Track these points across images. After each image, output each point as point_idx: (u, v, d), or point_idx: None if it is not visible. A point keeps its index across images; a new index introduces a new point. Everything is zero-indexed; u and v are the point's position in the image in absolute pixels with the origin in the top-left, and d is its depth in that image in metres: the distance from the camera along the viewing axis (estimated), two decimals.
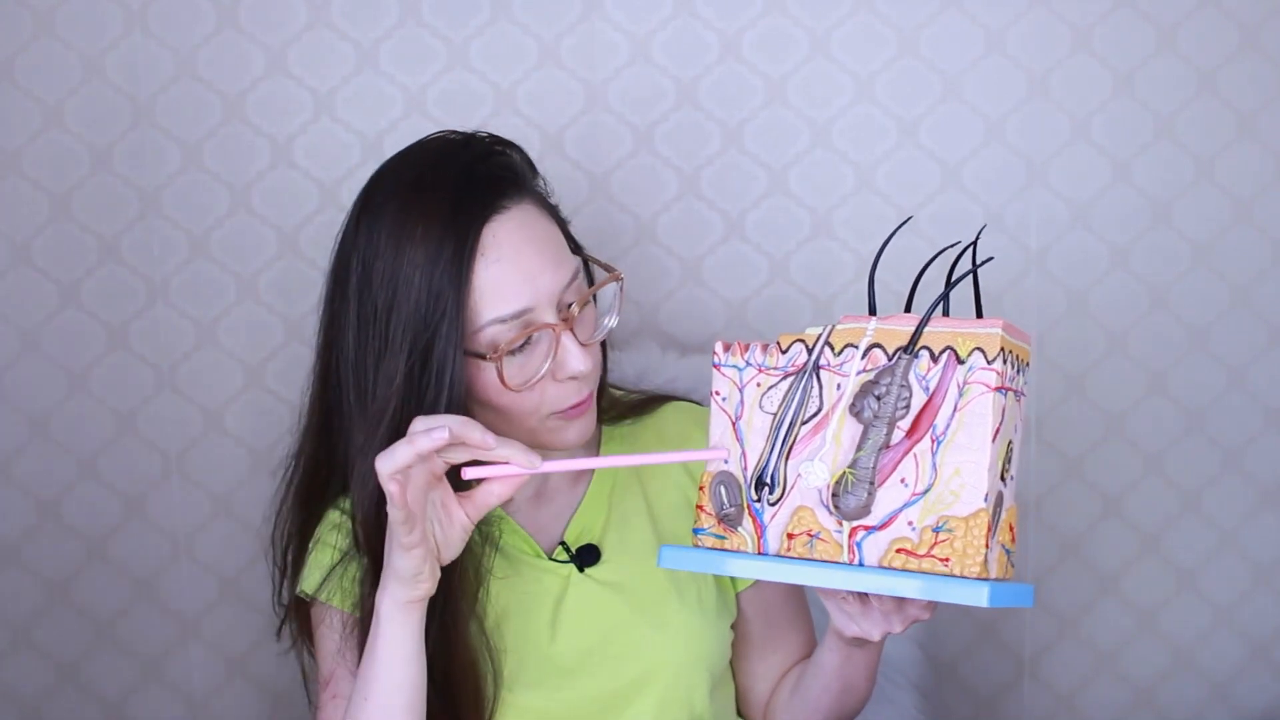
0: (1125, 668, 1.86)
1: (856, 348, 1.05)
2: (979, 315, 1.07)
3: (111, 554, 1.77)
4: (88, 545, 1.76)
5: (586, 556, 1.30)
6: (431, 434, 1.03)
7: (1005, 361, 1.02)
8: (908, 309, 1.09)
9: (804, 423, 1.06)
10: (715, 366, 1.09)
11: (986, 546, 1.00)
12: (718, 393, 1.09)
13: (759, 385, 1.07)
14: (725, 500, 1.08)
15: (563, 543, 1.30)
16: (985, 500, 1.00)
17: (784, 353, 1.07)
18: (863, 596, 1.12)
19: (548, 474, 1.29)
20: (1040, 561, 1.81)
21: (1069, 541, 1.82)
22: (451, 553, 1.12)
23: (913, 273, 1.14)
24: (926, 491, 1.01)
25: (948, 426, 1.01)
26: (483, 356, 1.16)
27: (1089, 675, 1.86)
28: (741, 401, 1.08)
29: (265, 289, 1.73)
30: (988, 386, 1.00)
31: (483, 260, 1.15)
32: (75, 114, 1.69)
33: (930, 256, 1.14)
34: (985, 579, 1.00)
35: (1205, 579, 1.84)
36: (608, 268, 1.24)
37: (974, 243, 1.10)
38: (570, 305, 1.19)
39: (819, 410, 1.05)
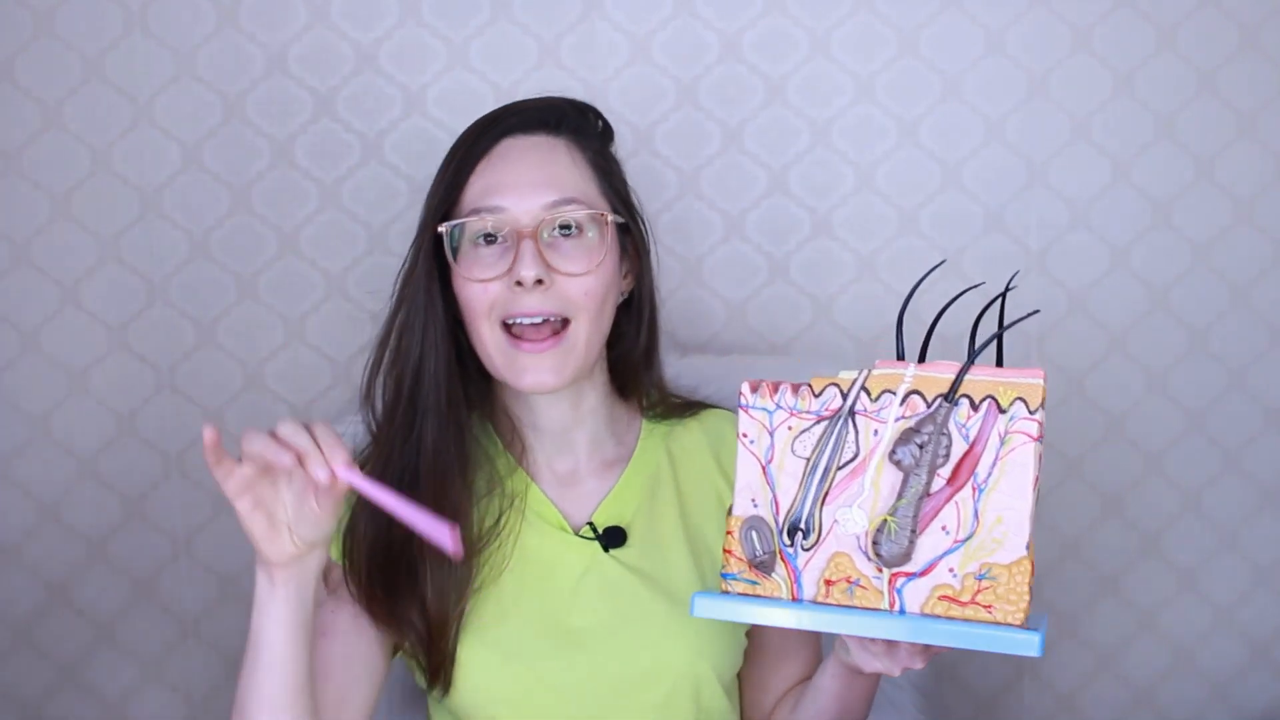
0: (1125, 668, 1.86)
1: (894, 394, 1.04)
2: (999, 364, 1.08)
3: (111, 554, 1.77)
4: (88, 545, 1.76)
5: (613, 538, 1.31)
6: (280, 454, 1.05)
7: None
8: (923, 350, 1.09)
9: (840, 468, 1.05)
10: (742, 408, 1.08)
11: (1029, 593, 1.01)
12: (745, 435, 1.08)
13: (790, 429, 1.06)
14: (758, 546, 1.08)
15: (590, 523, 1.32)
16: (1027, 548, 1.01)
17: (817, 396, 1.06)
18: (891, 642, 1.12)
19: (572, 453, 1.34)
20: (1040, 561, 1.81)
21: (1069, 541, 1.82)
22: (308, 533, 1.10)
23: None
24: (969, 539, 1.02)
25: (989, 475, 1.02)
26: (439, 223, 1.27)
27: (1089, 675, 1.86)
28: (771, 444, 1.07)
29: (265, 289, 1.74)
30: (1030, 436, 1.01)
31: (486, 161, 1.29)
32: (75, 114, 1.69)
33: (952, 298, 1.13)
34: (1028, 626, 1.01)
35: (1205, 579, 1.84)
36: (635, 242, 1.34)
37: (1005, 291, 1.11)
38: (554, 226, 1.26)
39: (855, 456, 1.05)
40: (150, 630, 1.78)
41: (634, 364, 1.36)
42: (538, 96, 1.39)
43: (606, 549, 1.31)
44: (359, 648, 1.27)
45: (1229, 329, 1.79)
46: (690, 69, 1.72)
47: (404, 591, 1.25)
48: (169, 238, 1.72)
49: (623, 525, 1.32)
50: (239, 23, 1.69)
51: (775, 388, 1.07)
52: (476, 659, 1.26)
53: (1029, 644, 0.99)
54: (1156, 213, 1.77)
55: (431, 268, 1.29)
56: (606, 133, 1.37)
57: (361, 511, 1.26)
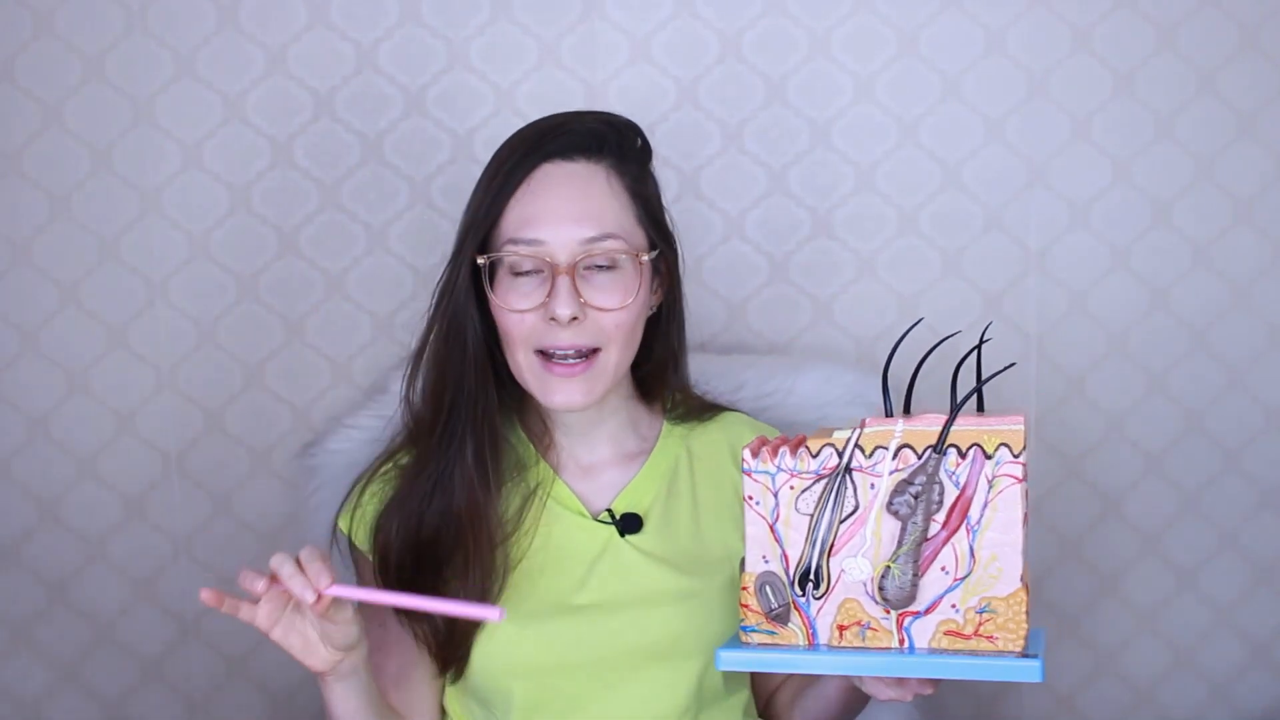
0: (1125, 668, 1.86)
1: (887, 449, 1.12)
2: (980, 409, 1.16)
3: (111, 554, 1.77)
4: (88, 545, 1.76)
5: (630, 524, 1.35)
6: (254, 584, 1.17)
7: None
8: (907, 402, 1.19)
9: (842, 521, 1.13)
10: (746, 473, 1.15)
11: (1027, 622, 1.11)
12: (750, 498, 1.15)
13: (792, 488, 1.14)
14: (773, 599, 1.15)
15: (609, 510, 1.36)
16: (1021, 580, 1.11)
17: (814, 456, 1.13)
18: None
19: (595, 447, 1.38)
20: (1040, 561, 1.81)
21: (1069, 541, 1.82)
22: (339, 641, 1.20)
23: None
24: (967, 576, 1.11)
25: (981, 516, 1.11)
26: (483, 253, 1.29)
27: (1089, 675, 1.86)
28: (776, 504, 1.14)
29: (265, 289, 1.73)
30: (1015, 479, 1.10)
31: (525, 187, 1.29)
32: (75, 114, 1.69)
33: (927, 351, 1.20)
34: (1027, 652, 1.11)
35: (1205, 579, 1.84)
36: (668, 261, 1.35)
37: (980, 344, 1.20)
38: (590, 261, 1.28)
39: (855, 509, 1.13)
40: (150, 630, 1.78)
41: (659, 372, 1.40)
42: (579, 113, 1.38)
43: (623, 534, 1.35)
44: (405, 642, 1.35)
45: (1229, 329, 1.79)
46: (690, 69, 1.72)
47: (429, 591, 1.29)
48: (169, 238, 1.72)
49: (639, 513, 1.36)
50: (239, 23, 1.69)
51: (775, 450, 1.14)
52: (493, 633, 1.30)
53: (1031, 671, 1.09)
54: (1156, 213, 1.77)
55: (469, 287, 1.31)
56: (645, 151, 1.37)
57: (395, 511, 1.32)
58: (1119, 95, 1.74)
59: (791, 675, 1.43)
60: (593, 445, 1.38)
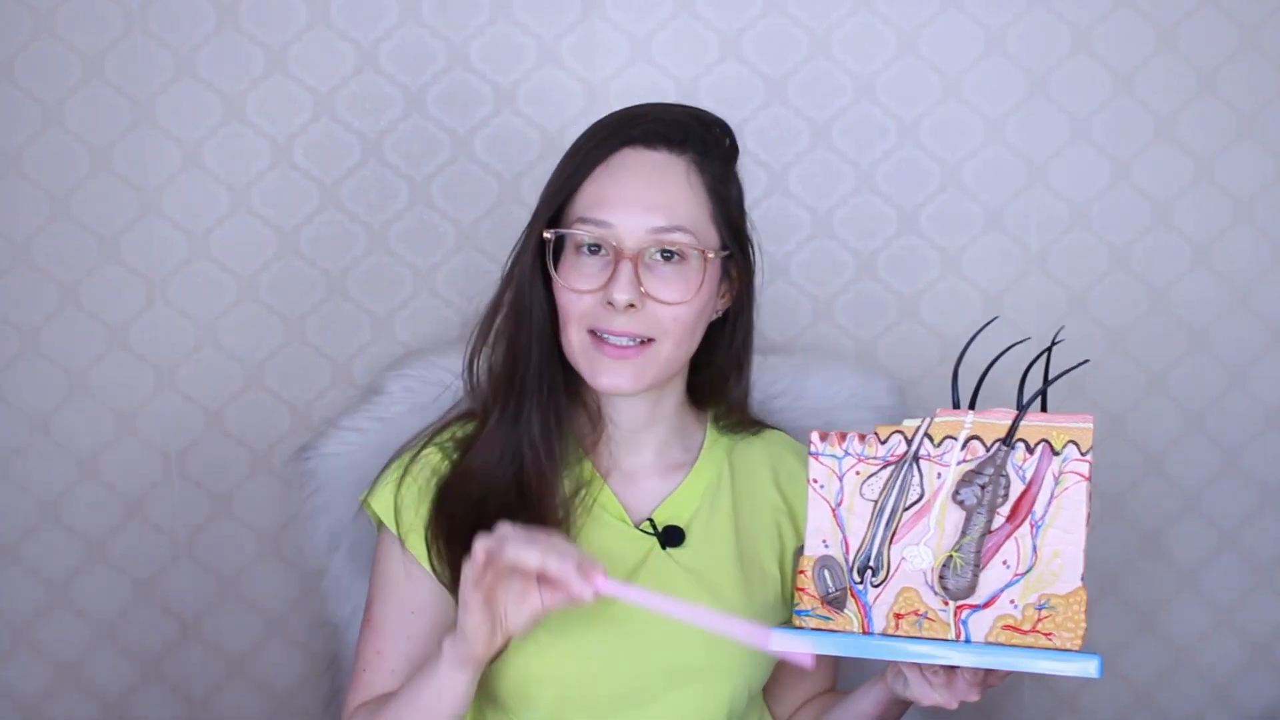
0: (1126, 668, 1.86)
1: (955, 439, 1.12)
2: (1044, 409, 1.16)
3: (111, 554, 1.77)
4: (88, 545, 1.76)
5: (672, 537, 1.33)
6: (564, 563, 1.11)
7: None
8: (974, 397, 1.17)
9: (906, 509, 1.13)
10: (813, 455, 1.15)
11: (1085, 620, 1.11)
12: (815, 480, 1.15)
13: (858, 473, 1.14)
14: (830, 584, 1.15)
15: (650, 519, 1.34)
16: (1081, 579, 1.11)
17: (883, 443, 1.14)
18: (950, 669, 1.18)
19: (641, 451, 1.36)
20: None
21: None
22: (518, 628, 1.16)
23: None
24: (1028, 572, 1.11)
25: (1046, 512, 1.11)
26: (551, 226, 1.28)
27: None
28: (841, 489, 1.15)
29: (265, 289, 1.74)
30: (1082, 476, 1.11)
31: (604, 168, 1.28)
32: (75, 114, 1.69)
33: (1001, 350, 1.21)
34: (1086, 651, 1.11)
35: (1205, 579, 1.84)
36: (742, 263, 1.33)
37: (1051, 345, 1.20)
38: (656, 250, 1.26)
39: (920, 497, 1.13)
40: (150, 630, 1.78)
41: (718, 379, 1.38)
42: (669, 104, 1.36)
43: (664, 547, 1.33)
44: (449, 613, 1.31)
45: (1229, 329, 1.79)
46: (690, 69, 1.72)
47: None
48: (169, 238, 1.72)
49: (681, 526, 1.34)
50: (239, 23, 1.69)
51: (843, 437, 1.14)
52: (524, 638, 1.27)
53: (1089, 667, 1.09)
54: (1156, 213, 1.77)
55: (538, 261, 1.30)
56: (732, 150, 1.34)
57: (461, 482, 1.30)
58: (1119, 95, 1.74)
59: (810, 698, 1.42)
60: (638, 450, 1.36)
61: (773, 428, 1.45)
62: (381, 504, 1.33)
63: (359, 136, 1.71)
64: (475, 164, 1.72)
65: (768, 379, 1.57)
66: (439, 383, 1.51)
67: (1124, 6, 1.73)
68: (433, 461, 1.33)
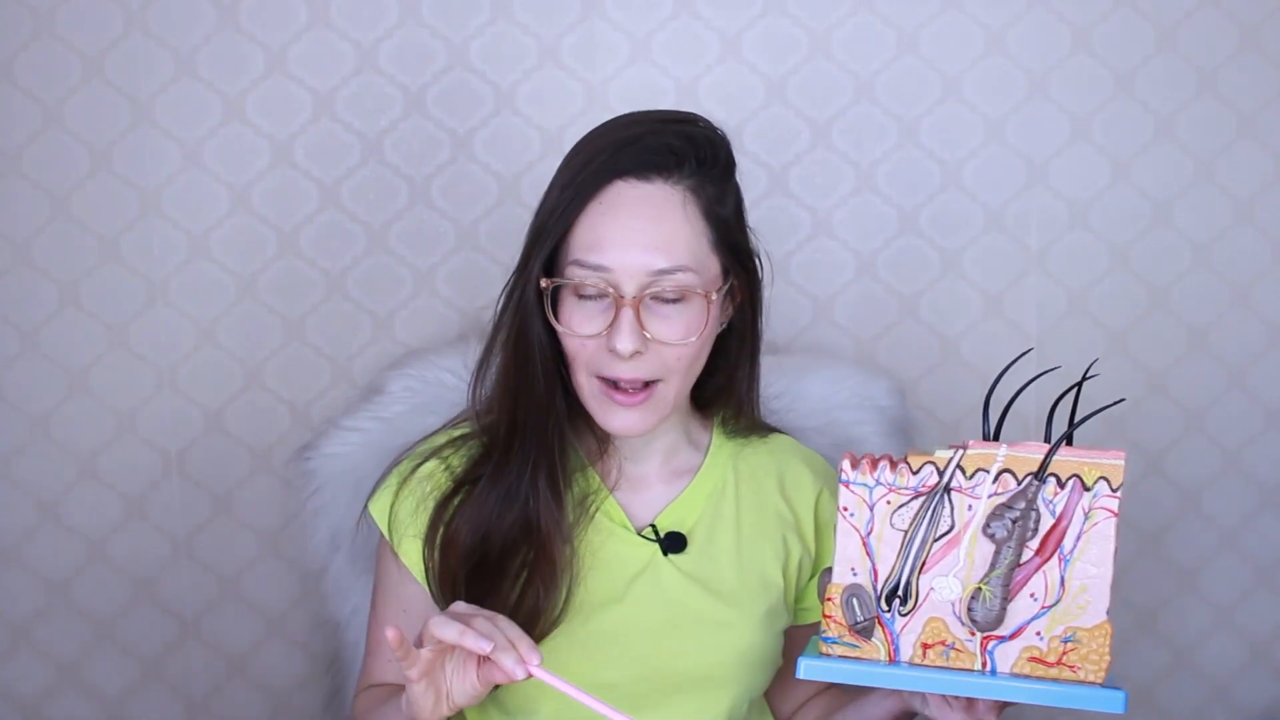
0: (1126, 668, 1.85)
1: (988, 472, 1.13)
2: (1069, 442, 1.16)
3: (111, 554, 1.77)
4: (88, 545, 1.76)
5: (674, 543, 1.33)
6: (479, 642, 1.09)
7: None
8: (998, 428, 1.18)
9: (936, 540, 1.14)
10: (843, 483, 1.14)
11: (1109, 654, 1.13)
12: (845, 509, 1.15)
13: (889, 503, 1.14)
14: (858, 612, 1.15)
15: (653, 525, 1.34)
16: (1107, 613, 1.14)
17: (915, 473, 1.14)
18: (971, 699, 1.18)
19: (647, 459, 1.35)
20: None
21: None
22: (461, 701, 1.15)
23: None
24: (1055, 605, 1.13)
25: (1074, 546, 1.13)
26: (548, 272, 1.24)
27: None
28: (871, 517, 1.15)
29: (265, 289, 1.74)
30: (1111, 512, 1.14)
31: (596, 204, 1.22)
32: (75, 114, 1.69)
33: (1028, 379, 1.23)
34: (1110, 685, 1.13)
35: (1205, 579, 1.84)
36: (744, 279, 1.29)
37: (1083, 379, 1.21)
38: (656, 292, 1.22)
39: (951, 528, 1.14)
40: (150, 630, 1.78)
41: (726, 386, 1.36)
42: (661, 121, 1.28)
43: (666, 553, 1.32)
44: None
45: (1229, 329, 1.79)
46: (690, 69, 1.72)
47: (486, 605, 1.25)
48: (169, 238, 1.72)
49: (684, 532, 1.34)
50: (239, 23, 1.69)
51: (874, 464, 1.14)
52: None
53: (1114, 701, 1.11)
54: (1156, 213, 1.77)
55: (535, 301, 1.25)
56: (729, 167, 1.30)
57: (465, 518, 1.29)
58: (1119, 95, 1.74)
59: (808, 702, 1.42)
60: (644, 458, 1.35)
61: (781, 432, 1.44)
62: (378, 511, 1.34)
63: (359, 136, 1.71)
64: (475, 164, 1.72)
65: (768, 379, 1.56)
66: (439, 382, 1.52)
67: (1124, 6, 1.73)
68: (433, 475, 1.32)
